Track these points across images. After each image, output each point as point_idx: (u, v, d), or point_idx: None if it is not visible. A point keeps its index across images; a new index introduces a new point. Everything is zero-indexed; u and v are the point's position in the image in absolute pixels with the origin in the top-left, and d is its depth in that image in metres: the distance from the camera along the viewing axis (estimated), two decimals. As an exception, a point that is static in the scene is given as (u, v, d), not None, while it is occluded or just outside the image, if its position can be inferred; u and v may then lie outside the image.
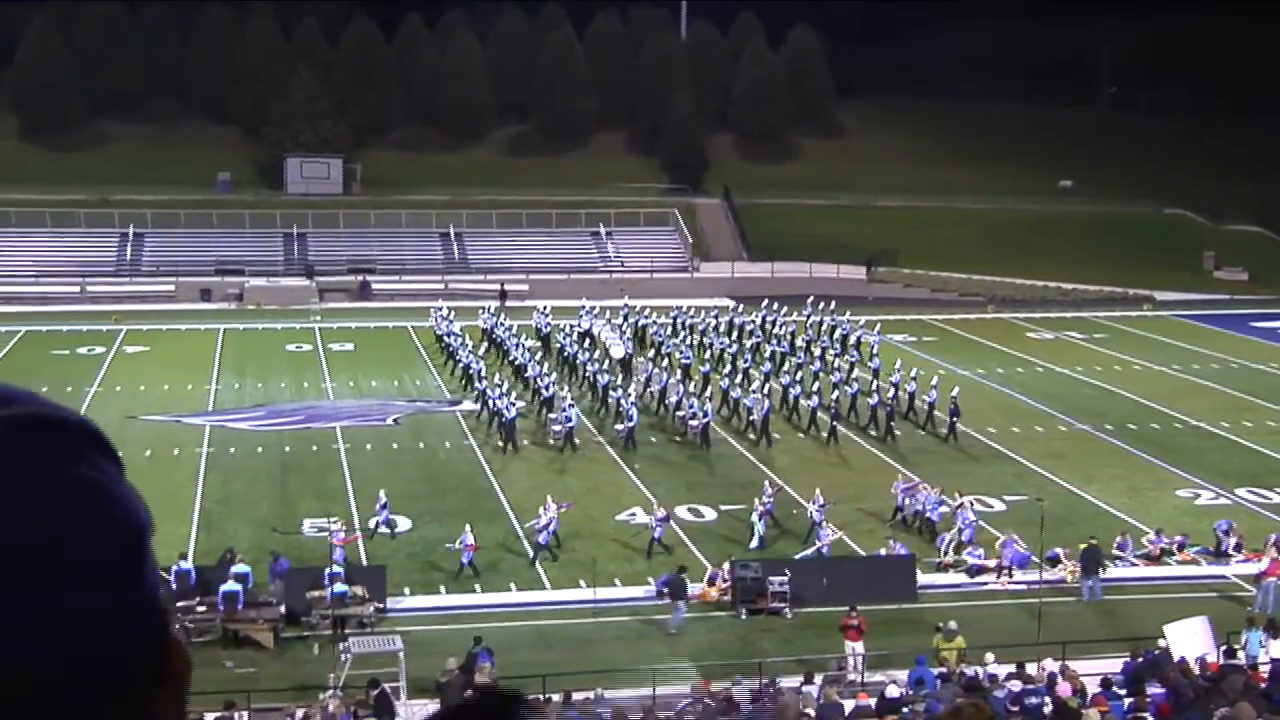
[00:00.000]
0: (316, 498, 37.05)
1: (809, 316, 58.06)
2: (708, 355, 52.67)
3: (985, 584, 32.15)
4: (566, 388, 45.62)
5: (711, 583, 31.05)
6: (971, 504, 34.76)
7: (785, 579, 30.31)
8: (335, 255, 74.41)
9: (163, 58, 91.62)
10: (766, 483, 35.96)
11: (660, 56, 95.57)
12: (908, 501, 35.38)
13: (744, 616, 30.15)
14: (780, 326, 56.16)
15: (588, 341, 53.85)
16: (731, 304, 60.22)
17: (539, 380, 46.00)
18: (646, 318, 57.12)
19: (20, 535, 1.20)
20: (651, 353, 52.66)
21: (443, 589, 31.37)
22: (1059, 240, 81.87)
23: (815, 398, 44.53)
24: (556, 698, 23.68)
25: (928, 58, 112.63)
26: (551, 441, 42.22)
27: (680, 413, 43.85)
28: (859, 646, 27.28)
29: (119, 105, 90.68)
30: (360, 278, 71.02)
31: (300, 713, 22.98)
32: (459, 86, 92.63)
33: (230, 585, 28.44)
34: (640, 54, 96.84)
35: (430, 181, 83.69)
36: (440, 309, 57.72)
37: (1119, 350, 59.27)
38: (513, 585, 31.63)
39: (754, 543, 33.67)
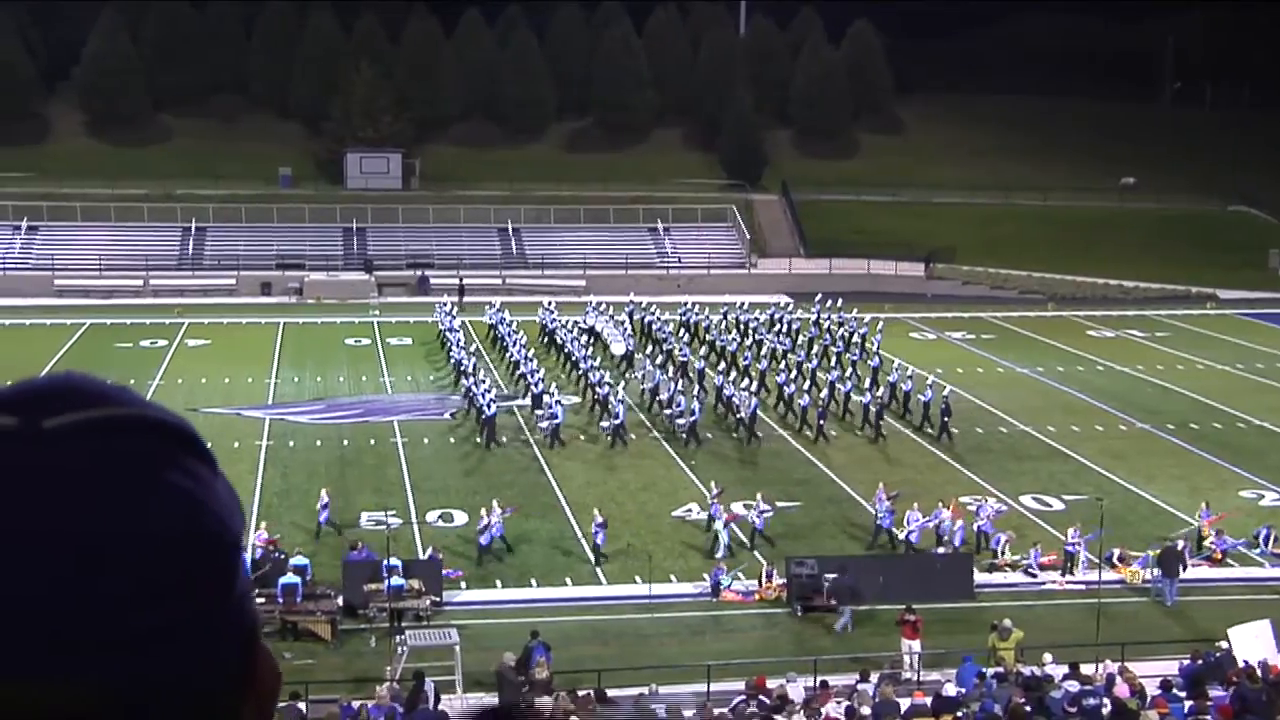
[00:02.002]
0: (374, 491, 37.30)
1: (816, 314, 57.67)
2: (704, 351, 52.48)
3: (1044, 583, 31.91)
4: (555, 385, 45.47)
5: (768, 579, 31.00)
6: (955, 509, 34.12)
7: (837, 576, 30.20)
8: (394, 250, 74.82)
9: (225, 54, 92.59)
10: (713, 483, 35.28)
11: (719, 52, 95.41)
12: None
13: (799, 613, 30.08)
14: (784, 324, 55.89)
15: (586, 338, 54.10)
16: (739, 301, 59.92)
17: (530, 376, 45.95)
18: (651, 314, 57.01)
19: (110, 546, 1.17)
20: (649, 349, 52.58)
21: (499, 583, 31.52)
22: (1121, 238, 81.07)
23: (806, 396, 44.09)
24: (611, 693, 23.73)
25: (989, 53, 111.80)
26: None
27: (668, 410, 43.76)
28: (915, 644, 27.13)
29: (182, 101, 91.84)
30: (418, 272, 71.39)
31: (356, 704, 23.16)
32: (518, 82, 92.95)
33: (289, 578, 28.68)
34: (699, 50, 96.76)
35: (489, 177, 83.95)
36: (444, 304, 58.15)
37: (1181, 349, 58.62)
38: (568, 580, 31.71)
39: (719, 551, 32.73)
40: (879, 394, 45.14)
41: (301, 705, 23.25)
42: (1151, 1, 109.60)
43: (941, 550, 32.84)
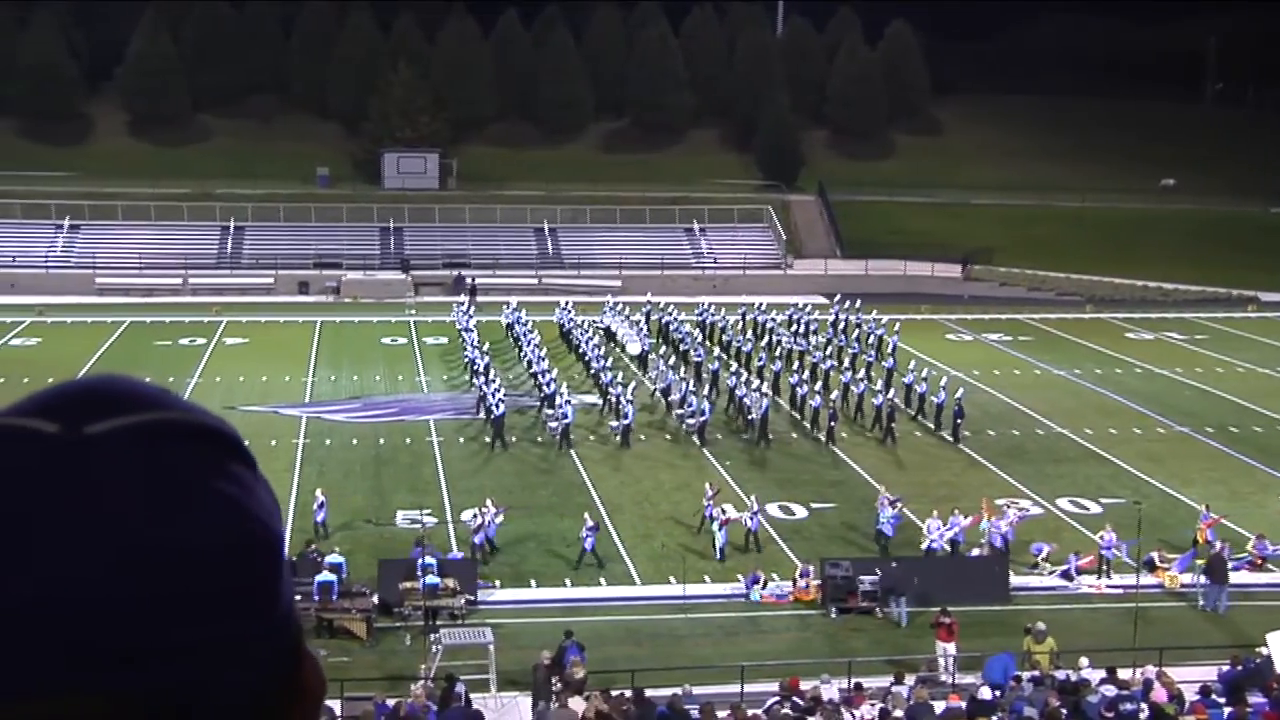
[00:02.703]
0: (410, 490, 37.42)
1: (835, 315, 57.68)
2: (717, 352, 52.34)
3: (1080, 587, 31.71)
4: (567, 385, 45.57)
5: (804, 576, 30.95)
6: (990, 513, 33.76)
7: (876, 578, 30.15)
8: (430, 249, 75.05)
9: (265, 55, 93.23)
10: (707, 485, 35.17)
11: (756, 53, 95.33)
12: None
13: (834, 615, 30.02)
14: (802, 325, 55.74)
15: (603, 337, 54.60)
16: (757, 302, 59.87)
17: (541, 377, 45.98)
18: (669, 314, 57.00)
19: (154, 555, 1.16)
20: (663, 349, 52.64)
21: (533, 582, 31.57)
22: (1160, 240, 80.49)
23: (818, 397, 44.02)
24: (649, 693, 23.74)
25: (1027, 54, 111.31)
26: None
27: (679, 410, 43.71)
28: (950, 647, 27.01)
29: (222, 101, 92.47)
30: (455, 272, 71.57)
31: (392, 702, 23.24)
32: (555, 82, 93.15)
33: (325, 576, 28.81)
34: (735, 50, 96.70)
35: (525, 177, 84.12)
36: (461, 303, 58.34)
37: (1221, 351, 58.13)
38: (602, 580, 31.74)
39: (716, 554, 32.64)
40: (889, 395, 45.02)
41: (335, 704, 23.35)
42: (1193, 1, 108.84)
43: (976, 552, 32.69)
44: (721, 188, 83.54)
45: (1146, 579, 30.81)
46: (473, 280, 67.87)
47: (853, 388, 45.84)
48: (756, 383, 45.56)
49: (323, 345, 56.97)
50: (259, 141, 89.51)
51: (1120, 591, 30.89)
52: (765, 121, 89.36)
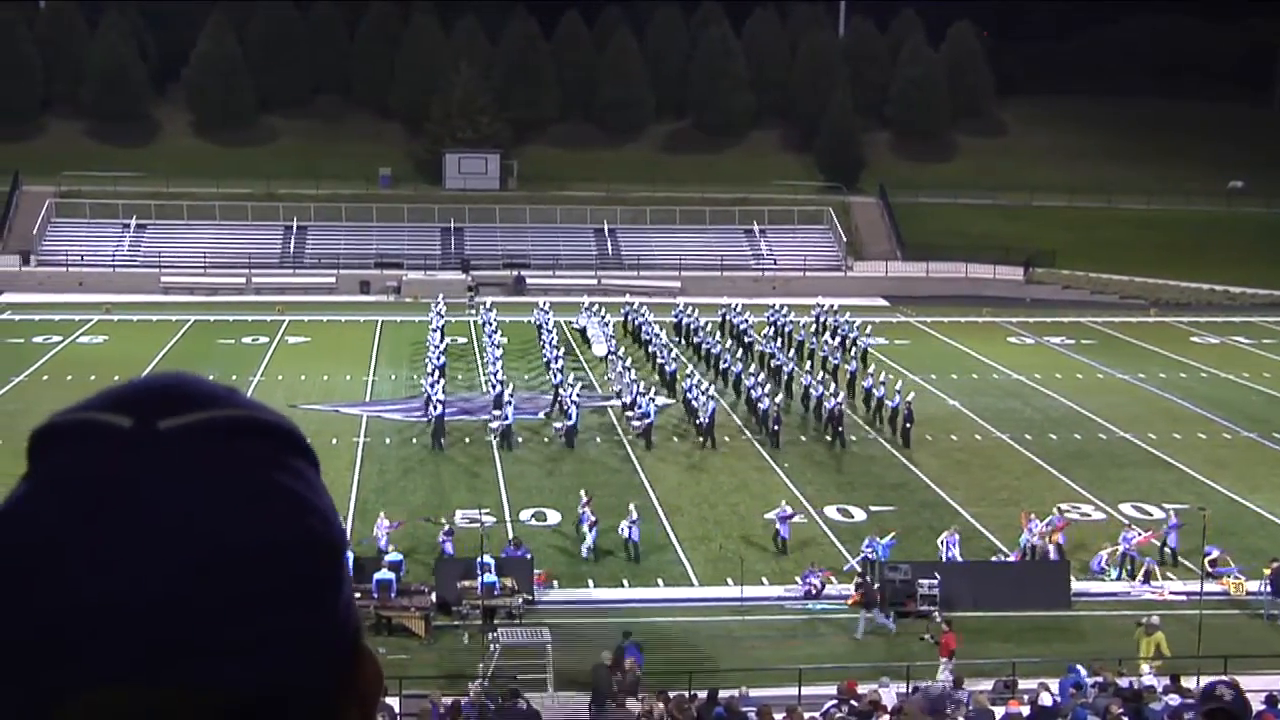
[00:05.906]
0: (469, 489, 37.59)
1: (817, 316, 57.93)
2: (672, 354, 51.91)
3: (1144, 594, 31.36)
4: (511, 386, 45.33)
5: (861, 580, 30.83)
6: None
7: (935, 582, 29.96)
8: (491, 250, 75.37)
9: (328, 55, 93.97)
10: (583, 491, 35.03)
11: (818, 53, 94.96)
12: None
13: (890, 618, 29.84)
14: (778, 327, 55.56)
15: (559, 337, 54.75)
16: (734, 304, 59.70)
17: (494, 377, 46.14)
18: (642, 316, 56.98)
19: (228, 549, 1.18)
20: (620, 350, 52.68)
21: (590, 582, 31.62)
22: (1228, 242, 79.46)
23: (767, 400, 43.66)
24: (702, 694, 23.72)
25: (1093, 55, 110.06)
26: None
27: (629, 413, 43.73)
28: (946, 660, 26.60)
29: (286, 101, 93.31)
30: (515, 272, 71.82)
31: (449, 700, 23.36)
32: (616, 83, 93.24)
33: (384, 574, 28.99)
34: (798, 51, 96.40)
35: (586, 177, 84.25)
36: (438, 303, 58.97)
37: (1289, 356, 57.33)
38: (660, 581, 31.74)
39: (584, 552, 32.78)
40: (841, 398, 44.54)
41: (394, 701, 23.49)
42: (1264, 1, 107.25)
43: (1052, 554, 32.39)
44: (782, 189, 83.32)
45: (1210, 586, 30.43)
46: (473, 280, 68.15)
47: (811, 390, 45.60)
48: (705, 385, 45.31)
49: (383, 344, 57.35)
50: (322, 142, 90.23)
51: (1184, 599, 30.53)
52: (827, 123, 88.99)
